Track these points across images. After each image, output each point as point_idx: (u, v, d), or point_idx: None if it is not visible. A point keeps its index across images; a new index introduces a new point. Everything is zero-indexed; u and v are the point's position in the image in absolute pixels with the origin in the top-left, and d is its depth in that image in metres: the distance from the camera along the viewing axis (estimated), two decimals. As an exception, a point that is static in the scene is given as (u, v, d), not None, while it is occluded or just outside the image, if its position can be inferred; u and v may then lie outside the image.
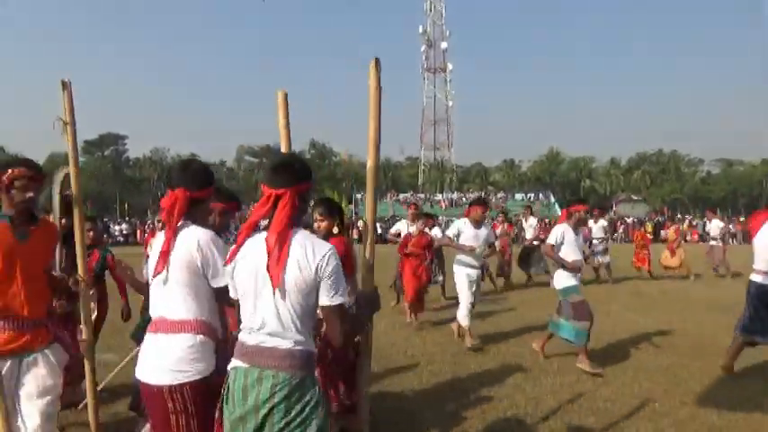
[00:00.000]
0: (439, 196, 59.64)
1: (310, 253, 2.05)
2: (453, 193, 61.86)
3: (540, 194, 59.74)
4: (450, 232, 7.43)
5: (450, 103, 74.72)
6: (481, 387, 5.40)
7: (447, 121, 75.20)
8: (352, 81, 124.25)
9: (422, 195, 59.68)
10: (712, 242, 15.03)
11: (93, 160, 72.84)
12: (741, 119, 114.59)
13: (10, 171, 2.74)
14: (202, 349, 2.36)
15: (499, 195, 59.78)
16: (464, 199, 57.23)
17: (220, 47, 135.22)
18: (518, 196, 59.05)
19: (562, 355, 6.57)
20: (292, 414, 2.02)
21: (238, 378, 2.08)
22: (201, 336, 2.37)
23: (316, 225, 4.28)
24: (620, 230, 40.65)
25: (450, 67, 73.97)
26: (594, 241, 13.72)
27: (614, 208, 62.33)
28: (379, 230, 37.93)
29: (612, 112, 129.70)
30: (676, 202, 67.06)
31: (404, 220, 9.54)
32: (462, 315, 7.04)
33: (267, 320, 2.08)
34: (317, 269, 2.03)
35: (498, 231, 13.44)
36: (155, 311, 2.45)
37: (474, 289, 7.18)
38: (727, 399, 5.03)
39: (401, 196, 58.46)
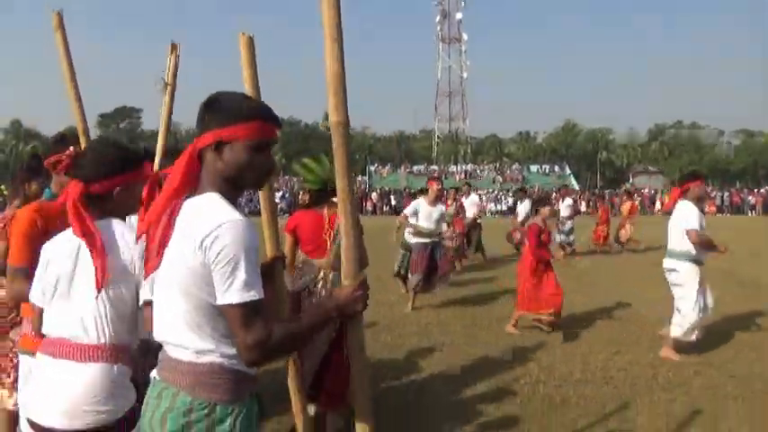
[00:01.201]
0: (453, 168, 59.26)
1: (197, 225, 1.42)
2: (468, 165, 61.42)
3: (556, 166, 59.13)
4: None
5: (465, 75, 73.56)
6: (494, 356, 5.43)
7: (462, 93, 74.17)
8: (364, 51, 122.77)
9: (435, 167, 59.33)
10: None
11: (108, 133, 73.25)
12: (763, 89, 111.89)
13: (72, 149, 2.46)
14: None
15: (514, 167, 59.29)
16: (478, 171, 56.90)
17: (235, 21, 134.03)
18: (533, 168, 58.52)
19: (575, 326, 6.58)
20: None
21: (149, 391, 1.59)
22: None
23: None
24: (637, 202, 40.19)
25: (465, 37, 72.66)
26: (563, 220, 13.39)
27: (631, 180, 61.55)
28: (393, 202, 37.93)
29: (630, 83, 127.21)
30: (695, 174, 65.96)
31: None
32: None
33: (164, 320, 1.54)
34: (201, 249, 1.40)
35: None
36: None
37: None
38: (744, 369, 5.01)
39: (415, 168, 58.20)
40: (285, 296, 2.06)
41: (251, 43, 1.93)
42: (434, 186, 7.71)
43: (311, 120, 76.93)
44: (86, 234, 1.85)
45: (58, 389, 1.82)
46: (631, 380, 4.78)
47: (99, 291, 1.82)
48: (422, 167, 58.81)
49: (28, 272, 2.14)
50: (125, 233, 1.93)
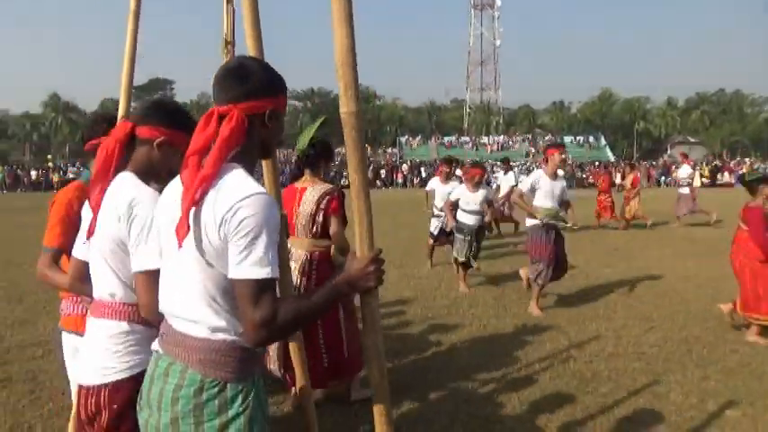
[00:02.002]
0: (485, 139, 58.50)
1: (220, 199, 1.40)
2: (500, 136, 60.51)
3: (591, 137, 57.79)
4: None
5: (498, 42, 71.99)
6: (523, 330, 5.43)
7: (494, 61, 72.72)
8: (393, 18, 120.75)
9: (467, 138, 58.66)
10: (680, 189, 13.92)
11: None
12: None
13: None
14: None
15: (547, 138, 58.16)
16: (510, 142, 56.01)
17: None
18: (567, 139, 57.30)
19: (607, 301, 6.51)
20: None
21: (151, 365, 1.58)
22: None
23: None
24: (674, 174, 39.13)
25: (498, 2, 70.81)
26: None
27: (669, 151, 59.83)
28: (424, 174, 37.76)
29: (670, 50, 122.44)
30: (737, 145, 63.72)
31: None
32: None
33: (177, 293, 1.51)
34: (221, 223, 1.38)
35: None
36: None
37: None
38: (781, 347, 4.90)
39: (446, 140, 57.63)
40: (286, 256, 2.05)
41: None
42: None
43: (341, 91, 76.44)
44: (96, 179, 1.83)
45: (86, 346, 1.87)
46: (665, 356, 4.72)
47: (87, 239, 1.84)
48: (453, 138, 58.22)
49: (57, 253, 2.23)
50: (131, 194, 1.78)
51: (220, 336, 1.45)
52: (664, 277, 7.70)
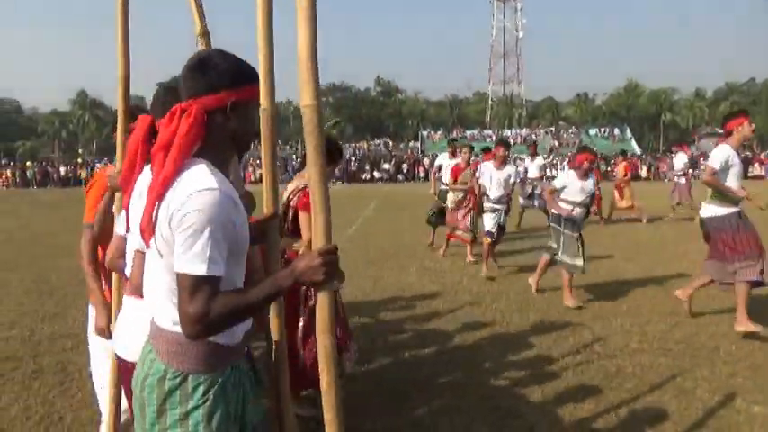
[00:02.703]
0: (508, 132, 57.98)
1: (175, 194, 1.41)
2: (523, 129, 59.93)
3: (616, 129, 56.87)
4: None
5: (521, 34, 71.28)
6: (548, 325, 5.39)
7: (517, 54, 72.05)
8: (414, 11, 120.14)
9: (489, 132, 58.22)
10: (676, 178, 13.85)
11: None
12: None
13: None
14: None
15: (571, 131, 57.42)
16: (534, 135, 55.45)
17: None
18: (591, 132, 56.48)
19: (632, 296, 6.42)
20: (164, 424, 1.47)
21: (144, 345, 1.62)
22: None
23: None
24: (703, 167, 38.35)
25: (521, -7, 70.04)
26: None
27: (696, 143, 58.55)
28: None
29: (699, 39, 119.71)
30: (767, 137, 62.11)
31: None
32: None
33: (149, 282, 1.57)
34: (170, 217, 1.40)
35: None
36: None
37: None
38: (813, 344, 4.78)
39: (468, 133, 57.28)
40: (277, 254, 2.03)
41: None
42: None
43: (363, 86, 76.60)
44: (123, 179, 1.86)
45: (123, 323, 2.00)
46: (691, 352, 4.65)
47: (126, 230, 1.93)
48: (475, 132, 57.83)
49: (92, 227, 2.52)
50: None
51: (179, 328, 1.43)
52: (689, 272, 7.55)
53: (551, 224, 6.33)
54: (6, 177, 37.64)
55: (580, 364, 4.42)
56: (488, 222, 7.67)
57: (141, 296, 1.85)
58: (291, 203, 3.54)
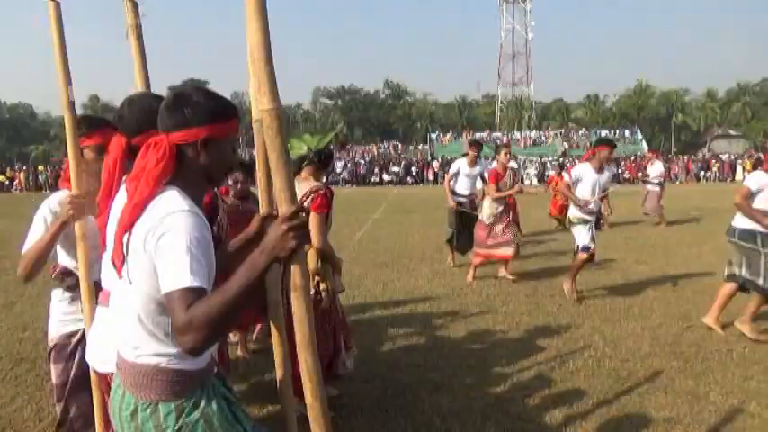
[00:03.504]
0: (518, 134, 57.78)
1: (146, 220, 1.44)
2: (532, 131, 59.70)
3: (627, 131, 56.50)
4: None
5: (531, 36, 70.96)
6: (557, 327, 5.36)
7: (526, 55, 71.71)
8: (422, 13, 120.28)
9: (499, 134, 58.04)
10: (650, 186, 13.31)
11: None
12: None
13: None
14: None
15: (581, 133, 57.12)
16: (543, 137, 55.19)
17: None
18: (602, 133, 56.11)
19: (645, 299, 6.37)
20: None
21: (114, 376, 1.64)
22: None
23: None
24: (714, 169, 38.01)
25: (530, -5, 69.82)
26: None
27: (708, 144, 58.08)
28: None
29: (710, 38, 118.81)
30: (780, 138, 61.44)
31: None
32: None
33: (115, 312, 1.60)
34: (144, 243, 1.43)
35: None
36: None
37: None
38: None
39: (477, 135, 57.11)
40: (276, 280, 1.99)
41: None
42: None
43: (372, 88, 76.69)
44: (101, 200, 1.89)
45: (96, 334, 2.06)
46: (704, 355, 4.60)
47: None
48: (485, 134, 57.66)
49: None
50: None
51: (144, 360, 1.48)
52: (702, 274, 7.49)
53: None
54: (20, 181, 38.01)
55: (591, 367, 4.39)
56: (583, 236, 6.27)
57: None
58: (304, 205, 3.58)
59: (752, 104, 66.85)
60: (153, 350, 1.49)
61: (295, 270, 1.47)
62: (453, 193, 8.17)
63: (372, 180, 38.42)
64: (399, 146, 57.36)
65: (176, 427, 1.47)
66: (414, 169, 40.12)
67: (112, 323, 1.75)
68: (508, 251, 7.22)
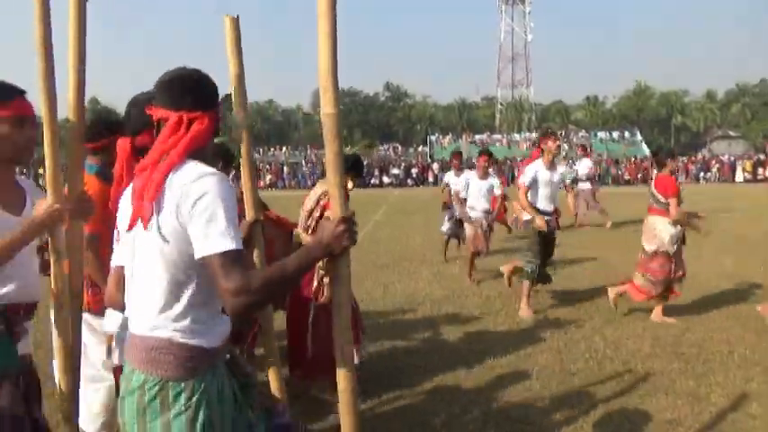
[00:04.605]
0: (517, 136, 57.76)
1: (174, 188, 1.45)
2: (532, 132, 59.70)
3: (626, 132, 56.51)
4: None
5: (530, 38, 71.09)
6: (558, 330, 5.35)
7: (526, 57, 71.86)
8: (422, 15, 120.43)
9: (499, 136, 58.05)
10: (580, 184, 12.83)
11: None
12: None
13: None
14: None
15: (581, 134, 57.14)
16: (543, 139, 55.07)
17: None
18: (601, 135, 56.13)
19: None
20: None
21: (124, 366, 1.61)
22: None
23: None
24: (715, 170, 38.00)
25: (529, -3, 69.91)
26: None
27: (708, 146, 58.09)
28: (455, 173, 37.51)
29: (708, 40, 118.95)
30: (780, 139, 61.48)
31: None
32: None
33: (133, 294, 1.57)
34: (176, 208, 1.42)
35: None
36: None
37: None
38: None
39: (477, 138, 57.13)
40: (263, 260, 2.08)
41: (235, 25, 1.99)
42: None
43: (371, 90, 76.78)
44: (114, 192, 2.01)
45: None
46: (705, 357, 4.60)
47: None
48: (484, 136, 57.68)
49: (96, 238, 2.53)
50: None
51: (157, 333, 1.47)
52: (703, 275, 7.48)
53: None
54: (20, 184, 38.04)
55: (592, 368, 4.38)
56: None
57: (118, 309, 1.87)
58: (321, 202, 3.74)
59: (751, 105, 66.89)
60: (169, 324, 1.47)
61: (339, 262, 1.59)
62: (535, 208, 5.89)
63: (372, 182, 38.43)
64: (399, 148, 57.34)
65: (183, 407, 1.45)
66: (414, 171, 40.15)
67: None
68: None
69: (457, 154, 9.49)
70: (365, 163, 4.20)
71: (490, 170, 7.64)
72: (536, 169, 5.82)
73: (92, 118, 2.68)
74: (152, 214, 1.44)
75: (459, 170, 8.68)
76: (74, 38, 1.95)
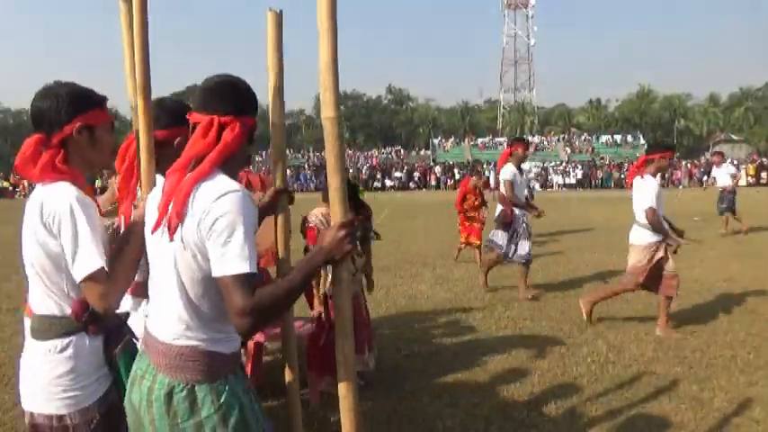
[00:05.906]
0: (519, 140, 57.66)
1: (197, 201, 1.46)
2: (535, 136, 59.70)
3: (629, 136, 56.46)
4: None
5: (533, 42, 71.16)
6: (560, 333, 5.35)
7: (528, 61, 71.94)
8: (425, 18, 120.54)
9: (501, 139, 58.07)
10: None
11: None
12: None
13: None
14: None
15: (583, 138, 57.10)
16: (545, 142, 55.17)
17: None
18: (603, 138, 56.10)
19: (648, 304, 6.35)
20: None
21: (135, 363, 1.64)
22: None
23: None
24: (713, 175, 37.87)
25: (532, 1, 69.99)
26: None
27: (711, 149, 57.96)
28: (458, 176, 37.55)
29: (712, 43, 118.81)
30: (783, 143, 61.32)
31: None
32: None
33: (155, 297, 1.60)
34: (198, 223, 1.44)
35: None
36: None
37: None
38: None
39: (479, 141, 57.14)
40: (289, 228, 2.00)
41: (279, 20, 1.85)
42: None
43: (374, 94, 76.87)
44: (122, 183, 2.08)
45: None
46: (708, 361, 4.58)
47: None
48: (487, 140, 57.69)
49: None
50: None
51: (180, 342, 1.51)
52: (706, 279, 7.46)
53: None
54: (23, 187, 38.13)
55: (594, 373, 4.37)
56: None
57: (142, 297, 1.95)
58: (310, 225, 3.84)
59: (754, 109, 66.77)
60: (192, 334, 1.51)
61: (341, 267, 1.61)
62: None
63: (375, 185, 38.46)
64: (402, 151, 57.41)
65: (212, 410, 1.50)
66: (416, 174, 40.16)
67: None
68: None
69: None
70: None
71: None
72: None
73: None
74: (178, 226, 1.47)
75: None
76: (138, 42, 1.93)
